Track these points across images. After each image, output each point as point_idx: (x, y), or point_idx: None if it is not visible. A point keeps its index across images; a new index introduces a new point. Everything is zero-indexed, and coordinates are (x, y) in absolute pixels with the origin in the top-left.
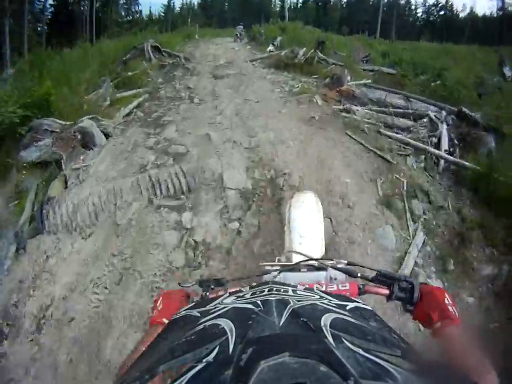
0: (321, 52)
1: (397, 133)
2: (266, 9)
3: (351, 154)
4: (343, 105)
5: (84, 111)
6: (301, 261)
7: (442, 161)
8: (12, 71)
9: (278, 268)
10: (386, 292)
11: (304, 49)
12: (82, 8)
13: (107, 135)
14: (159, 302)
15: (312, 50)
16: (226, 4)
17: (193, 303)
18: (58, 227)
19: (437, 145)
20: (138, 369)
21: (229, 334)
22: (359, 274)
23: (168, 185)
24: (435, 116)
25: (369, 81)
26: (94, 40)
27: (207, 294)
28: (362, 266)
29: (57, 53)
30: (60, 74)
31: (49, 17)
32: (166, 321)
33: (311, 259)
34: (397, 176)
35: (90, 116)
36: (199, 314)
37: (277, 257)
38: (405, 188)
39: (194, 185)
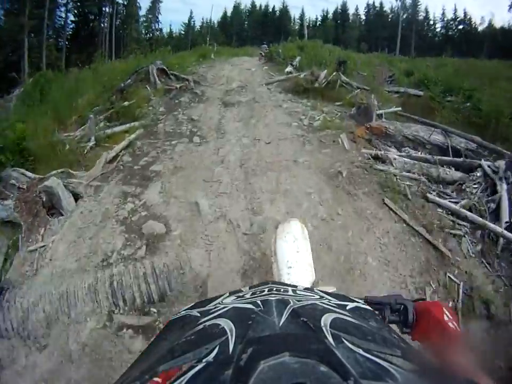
0: (343, 72)
1: (445, 193)
2: (285, 27)
3: (392, 242)
4: (375, 147)
5: (63, 153)
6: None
7: (501, 238)
8: (18, 92)
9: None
10: None
11: (325, 71)
12: (102, 25)
13: (77, 195)
14: None
15: (334, 73)
16: (246, 23)
17: (193, 303)
18: (9, 333)
19: (495, 212)
20: (138, 369)
21: (229, 334)
22: None
23: (134, 292)
24: (489, 167)
25: (399, 108)
26: (113, 57)
27: None
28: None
29: (64, 74)
30: (56, 100)
31: (70, 33)
32: None
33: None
34: (451, 275)
35: (60, 170)
36: (199, 314)
37: None
38: (461, 296)
39: (170, 293)
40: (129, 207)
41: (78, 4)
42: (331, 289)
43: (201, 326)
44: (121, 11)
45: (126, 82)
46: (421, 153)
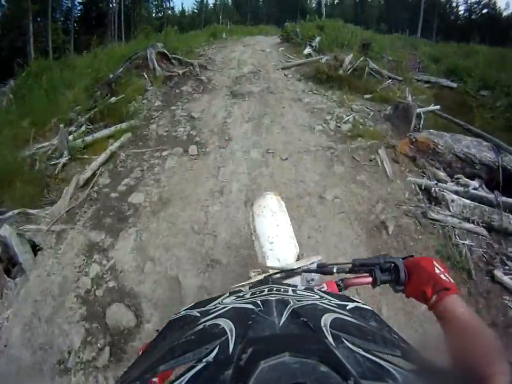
0: (367, 55)
1: (510, 258)
2: (302, 5)
3: None
4: (423, 171)
5: (31, 176)
6: (269, 274)
7: None
8: (12, 83)
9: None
10: (369, 279)
11: (351, 55)
12: (111, 5)
13: (36, 247)
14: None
15: (362, 58)
16: (261, 0)
17: (193, 304)
18: None
19: None
20: (138, 369)
21: (229, 334)
22: (334, 270)
23: None
24: None
25: (438, 107)
26: (123, 38)
27: None
28: (335, 264)
29: (61, 61)
30: (38, 97)
31: (79, 15)
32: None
33: (282, 270)
34: None
35: (16, 211)
36: (199, 314)
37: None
38: None
39: None
40: (94, 272)
41: None
42: (317, 258)
43: (201, 326)
44: None
45: (116, 72)
46: (479, 187)
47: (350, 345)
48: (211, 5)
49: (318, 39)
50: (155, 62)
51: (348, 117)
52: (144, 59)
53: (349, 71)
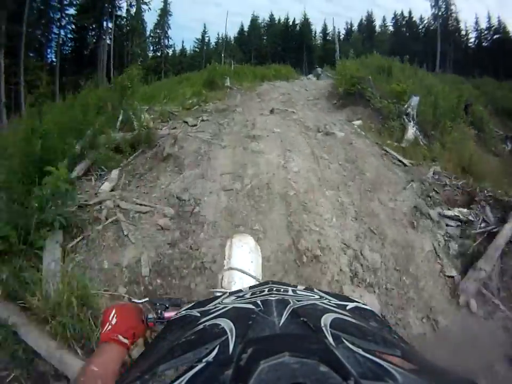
0: (471, 121)
1: None
2: (308, 42)
3: None
4: None
5: None
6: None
7: None
8: None
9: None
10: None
11: None
12: (102, 42)
13: None
14: (112, 315)
15: None
16: (265, 38)
17: (193, 303)
18: None
19: None
20: (138, 369)
21: (229, 334)
22: None
23: None
24: None
25: None
26: (111, 77)
27: (163, 312)
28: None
29: None
30: None
31: (68, 52)
32: (121, 338)
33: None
34: None
35: None
36: (199, 314)
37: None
38: None
39: None
40: None
41: (74, 18)
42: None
43: (201, 326)
44: (124, 26)
45: None
46: None
47: (350, 345)
48: (213, 43)
49: (414, 100)
50: None
51: None
52: None
53: None
